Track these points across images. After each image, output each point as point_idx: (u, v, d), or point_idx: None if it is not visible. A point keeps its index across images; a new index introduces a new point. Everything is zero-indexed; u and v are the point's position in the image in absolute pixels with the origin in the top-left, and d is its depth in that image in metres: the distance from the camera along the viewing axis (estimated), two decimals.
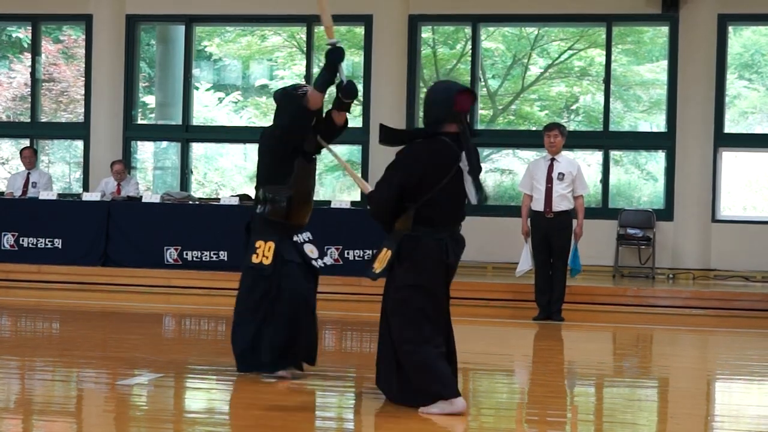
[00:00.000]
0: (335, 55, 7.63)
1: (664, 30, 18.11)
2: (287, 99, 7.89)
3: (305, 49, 18.68)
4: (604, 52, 18.19)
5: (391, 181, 6.96)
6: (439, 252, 6.97)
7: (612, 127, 18.18)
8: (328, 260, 7.55)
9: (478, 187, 6.99)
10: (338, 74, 7.69)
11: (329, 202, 15.94)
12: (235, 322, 7.99)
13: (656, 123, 18.83)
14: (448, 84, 7.33)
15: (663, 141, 17.89)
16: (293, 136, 7.80)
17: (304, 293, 7.85)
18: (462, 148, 6.99)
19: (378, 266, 7.05)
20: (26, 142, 19.39)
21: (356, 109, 18.87)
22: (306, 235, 8.02)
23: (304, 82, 8.03)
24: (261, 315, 7.79)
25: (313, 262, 7.97)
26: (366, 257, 14.94)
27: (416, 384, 6.99)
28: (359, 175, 7.59)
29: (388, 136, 7.18)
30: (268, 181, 7.88)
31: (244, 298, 7.93)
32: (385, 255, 7.02)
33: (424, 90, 19.10)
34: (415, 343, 6.96)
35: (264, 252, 7.77)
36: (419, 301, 6.97)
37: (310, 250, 7.96)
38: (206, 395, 7.51)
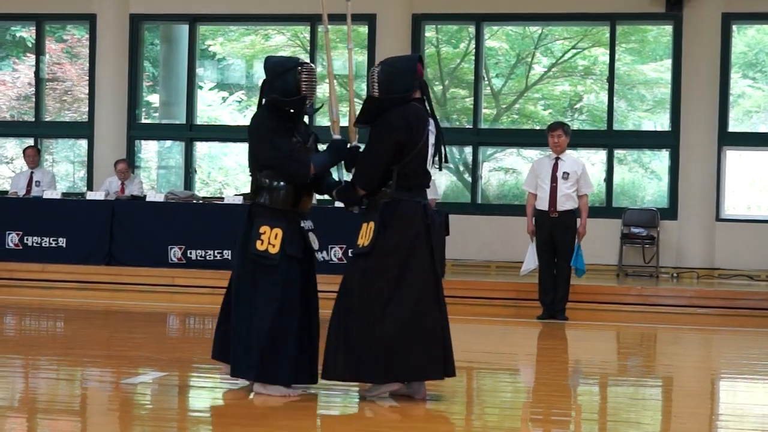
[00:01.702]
0: (347, 155, 7.39)
1: (668, 29, 18.11)
2: (281, 80, 7.36)
3: (309, 48, 18.68)
4: (608, 51, 18.18)
5: (384, 150, 7.12)
6: (420, 213, 7.14)
7: (616, 126, 18.19)
8: (326, 255, 7.36)
9: (439, 150, 7.36)
10: (339, 171, 7.52)
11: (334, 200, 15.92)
12: (242, 317, 7.28)
13: (660, 122, 18.82)
14: (403, 56, 7.72)
15: (667, 140, 17.89)
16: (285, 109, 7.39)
17: (309, 297, 7.41)
18: (429, 113, 7.34)
19: (363, 241, 7.10)
20: (30, 142, 19.42)
21: (359, 108, 18.83)
22: (309, 223, 7.48)
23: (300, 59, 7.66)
24: (272, 310, 7.18)
25: (316, 254, 7.56)
26: None
27: (379, 359, 6.99)
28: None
29: (366, 112, 7.32)
30: (263, 168, 7.35)
31: (247, 292, 7.26)
32: (368, 227, 7.10)
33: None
34: (390, 316, 6.99)
35: (270, 239, 7.18)
36: (398, 268, 7.03)
37: (313, 240, 7.41)
38: (210, 394, 7.50)
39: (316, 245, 7.44)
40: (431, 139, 7.29)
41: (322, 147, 7.60)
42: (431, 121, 7.33)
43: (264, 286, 7.18)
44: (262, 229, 7.22)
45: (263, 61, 7.58)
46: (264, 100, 7.43)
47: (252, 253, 7.20)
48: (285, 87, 7.31)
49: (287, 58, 7.57)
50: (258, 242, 7.19)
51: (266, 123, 7.34)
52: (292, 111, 7.42)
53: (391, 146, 7.09)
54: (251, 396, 7.23)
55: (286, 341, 7.18)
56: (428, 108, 7.36)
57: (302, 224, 7.38)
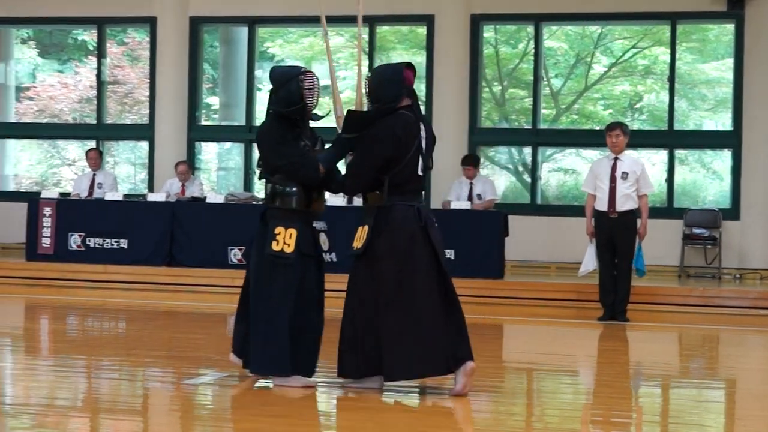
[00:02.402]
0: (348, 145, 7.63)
1: (730, 27, 17.93)
2: (284, 89, 7.60)
3: (368, 49, 18.69)
4: (669, 50, 18.03)
5: (369, 161, 7.35)
6: (413, 217, 7.35)
7: (677, 126, 18.04)
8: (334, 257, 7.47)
9: (426, 156, 7.50)
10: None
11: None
12: (261, 316, 7.52)
13: (722, 121, 18.66)
14: (391, 64, 7.85)
15: (729, 139, 17.72)
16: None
17: (319, 296, 7.67)
18: (419, 120, 7.47)
19: (356, 244, 7.37)
20: (92, 144, 19.57)
21: None
22: (322, 224, 7.75)
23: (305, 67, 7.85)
24: (289, 306, 7.44)
25: (324, 255, 7.73)
26: None
27: (385, 355, 7.22)
28: None
29: (352, 123, 7.48)
30: (275, 173, 7.61)
31: (265, 291, 7.51)
32: (363, 231, 7.37)
33: (487, 90, 19.15)
34: (385, 318, 7.22)
35: (285, 239, 7.46)
36: (393, 272, 7.25)
37: (323, 241, 7.68)
38: (271, 394, 7.52)
39: (326, 246, 7.70)
40: (423, 144, 7.45)
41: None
42: (422, 126, 7.47)
43: (281, 284, 7.47)
44: (277, 230, 7.50)
45: (269, 72, 7.91)
46: (270, 110, 7.72)
47: (268, 254, 7.49)
48: (288, 96, 7.59)
49: (291, 68, 7.86)
50: (274, 243, 7.48)
51: (272, 132, 7.65)
52: (297, 118, 7.66)
53: (378, 159, 7.31)
54: (272, 390, 7.25)
55: (303, 335, 7.49)
56: (418, 117, 7.48)
57: (315, 225, 7.67)
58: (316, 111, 7.75)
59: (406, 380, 7.45)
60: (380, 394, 7.34)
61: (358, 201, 12.36)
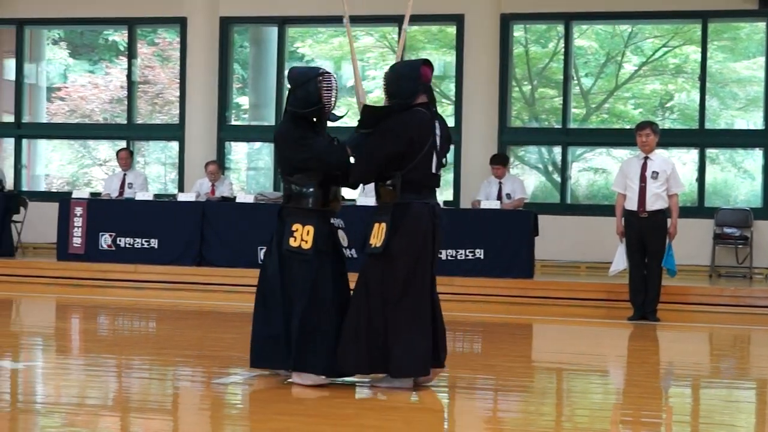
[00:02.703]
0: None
1: (761, 26, 17.85)
2: (302, 90, 7.68)
3: (397, 49, 18.66)
4: (700, 49, 17.95)
5: (377, 153, 7.35)
6: (429, 215, 7.37)
7: (708, 125, 17.96)
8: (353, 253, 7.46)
9: (441, 155, 7.50)
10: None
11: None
12: (287, 312, 7.56)
13: (753, 120, 18.57)
14: (408, 61, 7.80)
15: (760, 138, 17.64)
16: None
17: (343, 292, 7.67)
18: (434, 117, 7.46)
19: (375, 242, 7.34)
20: (122, 144, 19.65)
21: (447, 108, 18.86)
22: (339, 221, 7.78)
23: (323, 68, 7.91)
24: (305, 302, 7.46)
25: (344, 251, 7.74)
26: (459, 257, 14.94)
27: (393, 354, 7.27)
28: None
29: (367, 118, 7.54)
30: (294, 172, 7.66)
31: (283, 287, 7.57)
32: (380, 228, 7.34)
33: (517, 89, 19.11)
34: (393, 315, 7.27)
35: (302, 236, 7.50)
36: (407, 271, 7.28)
37: (342, 237, 7.69)
38: (301, 393, 7.52)
39: (345, 242, 7.72)
40: (438, 143, 7.44)
41: None
42: (437, 124, 7.46)
43: (298, 280, 7.52)
44: (295, 227, 7.55)
45: (287, 72, 7.99)
46: (287, 110, 7.79)
47: (286, 250, 7.54)
48: (307, 96, 7.66)
49: (309, 68, 7.96)
50: (291, 239, 7.53)
51: (291, 131, 7.70)
52: (314, 119, 7.74)
53: (388, 155, 7.31)
54: (302, 389, 7.27)
55: (320, 332, 7.48)
56: (432, 111, 7.46)
57: (332, 221, 7.70)
58: (334, 111, 7.82)
59: (413, 377, 7.42)
60: (408, 393, 7.34)
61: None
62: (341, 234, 7.69)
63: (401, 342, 7.25)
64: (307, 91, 7.64)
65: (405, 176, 7.31)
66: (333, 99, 7.71)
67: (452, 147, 7.75)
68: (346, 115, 7.91)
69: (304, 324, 7.44)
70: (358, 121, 7.60)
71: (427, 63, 7.53)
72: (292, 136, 7.65)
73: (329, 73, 7.73)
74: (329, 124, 7.94)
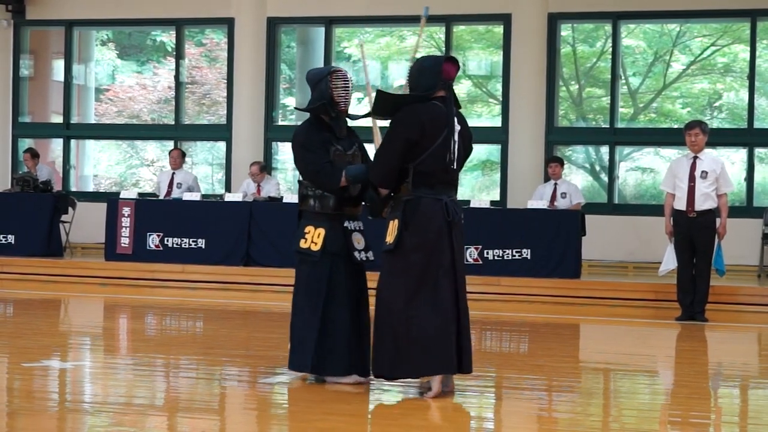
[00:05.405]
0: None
1: None
2: (317, 90, 7.74)
3: (444, 48, 18.67)
4: (749, 48, 17.82)
5: (393, 144, 7.25)
6: (441, 211, 7.26)
7: (756, 125, 17.82)
8: (371, 255, 7.40)
9: (461, 153, 7.40)
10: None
11: (469, 201, 15.92)
12: (292, 312, 7.80)
13: None
14: (433, 56, 7.73)
15: None
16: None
17: (356, 294, 7.69)
18: (451, 113, 7.33)
19: (389, 239, 7.28)
20: (170, 145, 19.76)
21: (495, 108, 18.82)
22: (357, 224, 7.77)
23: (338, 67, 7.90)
24: (315, 303, 7.56)
25: (355, 254, 7.67)
26: (506, 257, 14.91)
27: (413, 355, 7.17)
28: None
29: (381, 105, 7.45)
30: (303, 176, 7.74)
31: (295, 288, 7.75)
32: (393, 225, 7.28)
33: (564, 89, 19.05)
34: (414, 311, 7.17)
35: (313, 238, 7.56)
36: (422, 265, 7.18)
37: (357, 240, 7.68)
38: (347, 393, 7.53)
39: (360, 245, 7.70)
40: (456, 139, 7.34)
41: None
42: (456, 121, 7.37)
43: (308, 281, 7.62)
44: (307, 228, 7.64)
45: (305, 75, 8.01)
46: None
47: (296, 251, 7.66)
48: (320, 96, 7.71)
49: (323, 68, 7.95)
50: (302, 240, 7.63)
51: (300, 137, 7.73)
52: (327, 119, 7.74)
53: (402, 143, 7.21)
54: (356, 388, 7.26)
55: (333, 334, 7.54)
56: (450, 108, 7.34)
57: (346, 224, 7.69)
58: (353, 112, 7.85)
59: (432, 376, 7.29)
60: (452, 395, 7.32)
61: None
62: (357, 236, 7.70)
63: (417, 342, 7.15)
64: (320, 90, 7.70)
65: (417, 167, 7.21)
66: (346, 96, 7.70)
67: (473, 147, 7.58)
68: (367, 116, 7.81)
69: (317, 325, 7.53)
70: (372, 106, 7.53)
71: (452, 60, 7.49)
72: (301, 142, 7.69)
73: (341, 70, 7.75)
74: (350, 123, 7.94)
